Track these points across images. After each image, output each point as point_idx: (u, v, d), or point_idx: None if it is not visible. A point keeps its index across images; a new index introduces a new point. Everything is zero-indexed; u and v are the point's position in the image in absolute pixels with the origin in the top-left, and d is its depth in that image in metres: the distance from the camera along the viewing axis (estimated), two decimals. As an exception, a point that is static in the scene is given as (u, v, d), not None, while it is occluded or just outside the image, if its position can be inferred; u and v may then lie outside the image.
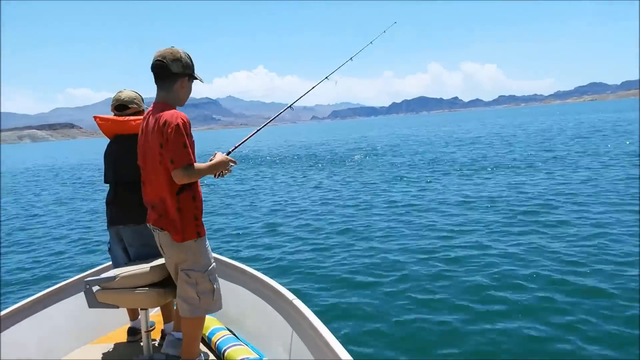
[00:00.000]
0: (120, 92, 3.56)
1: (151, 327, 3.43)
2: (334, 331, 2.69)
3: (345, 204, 11.62)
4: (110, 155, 3.48)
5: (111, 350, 3.48)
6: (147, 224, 2.94)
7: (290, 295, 3.20)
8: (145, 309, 3.15)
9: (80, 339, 3.58)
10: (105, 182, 3.58)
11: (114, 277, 2.93)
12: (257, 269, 3.75)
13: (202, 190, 2.90)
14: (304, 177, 18.58)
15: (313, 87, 4.07)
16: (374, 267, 6.53)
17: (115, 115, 3.50)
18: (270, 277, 3.58)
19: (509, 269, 5.96)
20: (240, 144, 3.42)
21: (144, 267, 3.03)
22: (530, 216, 8.68)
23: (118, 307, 3.09)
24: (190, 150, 2.61)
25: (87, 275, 3.91)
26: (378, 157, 25.19)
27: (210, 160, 2.81)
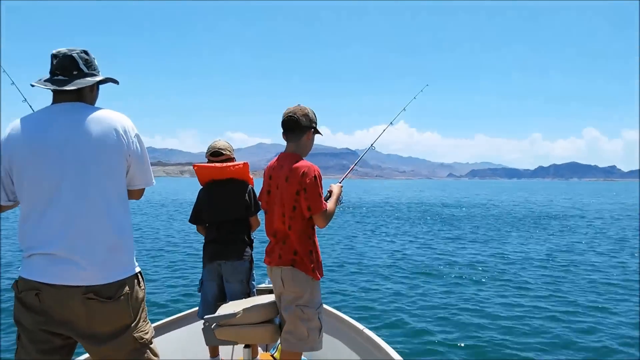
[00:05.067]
0: (216, 141, 3.84)
1: None
2: None
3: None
4: (211, 197, 3.73)
5: None
6: (268, 264, 3.00)
7: (390, 351, 3.22)
8: (250, 347, 3.25)
9: None
10: (194, 222, 3.85)
11: (234, 314, 2.96)
12: (356, 319, 3.86)
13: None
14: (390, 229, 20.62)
15: (381, 133, 4.24)
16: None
17: (209, 161, 3.79)
18: (371, 329, 3.64)
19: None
20: (347, 174, 3.73)
21: (259, 304, 3.06)
22: None
23: (236, 344, 3.15)
24: (322, 198, 2.88)
25: (185, 315, 4.08)
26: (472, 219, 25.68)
27: (330, 193, 3.10)
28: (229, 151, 3.79)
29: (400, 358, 3.10)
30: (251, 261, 3.70)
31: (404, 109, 4.29)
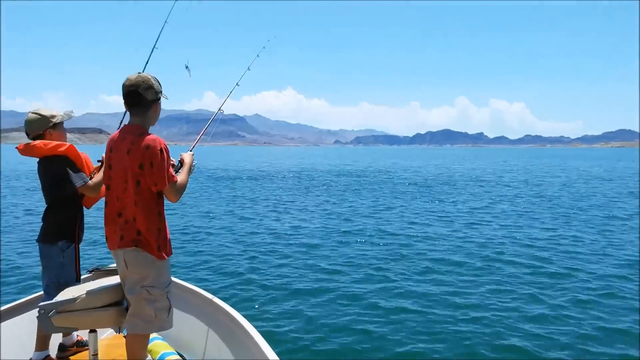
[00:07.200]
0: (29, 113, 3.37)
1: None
2: None
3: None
4: (39, 178, 3.41)
5: None
6: (113, 248, 2.81)
7: (242, 320, 3.18)
8: (95, 332, 3.00)
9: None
10: None
11: (74, 299, 2.76)
12: (209, 290, 3.77)
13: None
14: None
15: (228, 96, 4.17)
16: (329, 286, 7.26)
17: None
18: (224, 301, 3.58)
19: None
20: (197, 140, 3.67)
21: (103, 287, 2.90)
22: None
23: (77, 330, 3.02)
24: (171, 171, 2.76)
25: (30, 300, 3.69)
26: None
27: (181, 163, 3.00)
28: (33, 128, 3.30)
29: (247, 322, 3.11)
30: (72, 245, 3.29)
31: (249, 69, 4.33)
